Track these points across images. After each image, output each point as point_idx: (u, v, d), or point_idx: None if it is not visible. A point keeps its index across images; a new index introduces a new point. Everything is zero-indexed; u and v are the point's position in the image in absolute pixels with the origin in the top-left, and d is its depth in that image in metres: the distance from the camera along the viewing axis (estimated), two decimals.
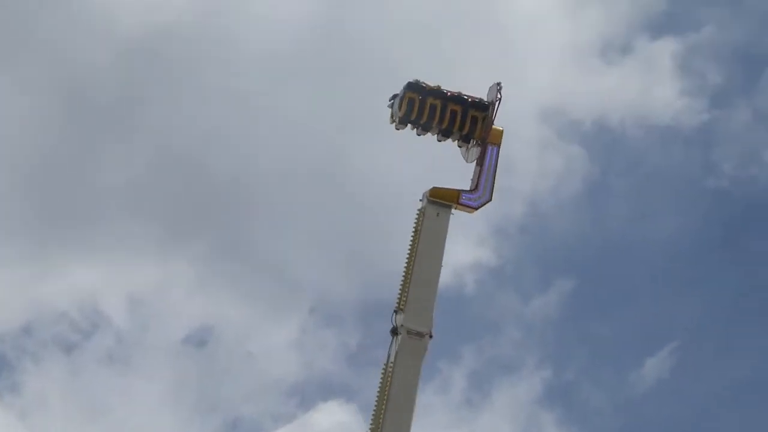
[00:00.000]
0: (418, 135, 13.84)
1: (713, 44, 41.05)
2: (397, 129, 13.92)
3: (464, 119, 13.41)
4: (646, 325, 40.54)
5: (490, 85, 13.69)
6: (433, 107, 13.32)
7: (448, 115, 13.32)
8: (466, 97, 13.59)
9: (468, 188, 13.51)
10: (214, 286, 40.91)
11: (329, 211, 40.48)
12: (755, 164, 39.81)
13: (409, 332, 13.15)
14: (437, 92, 13.44)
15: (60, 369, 40.48)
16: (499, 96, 13.44)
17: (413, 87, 13.40)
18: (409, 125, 13.74)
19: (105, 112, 38.17)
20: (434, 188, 13.52)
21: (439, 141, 13.94)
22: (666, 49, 40.44)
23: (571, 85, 39.87)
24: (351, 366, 41.45)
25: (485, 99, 13.71)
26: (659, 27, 41.55)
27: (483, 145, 13.62)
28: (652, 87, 40.56)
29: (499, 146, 13.67)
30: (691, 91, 39.98)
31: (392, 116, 13.87)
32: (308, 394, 40.49)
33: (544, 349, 40.42)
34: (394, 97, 13.68)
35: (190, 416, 39.90)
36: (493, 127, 13.59)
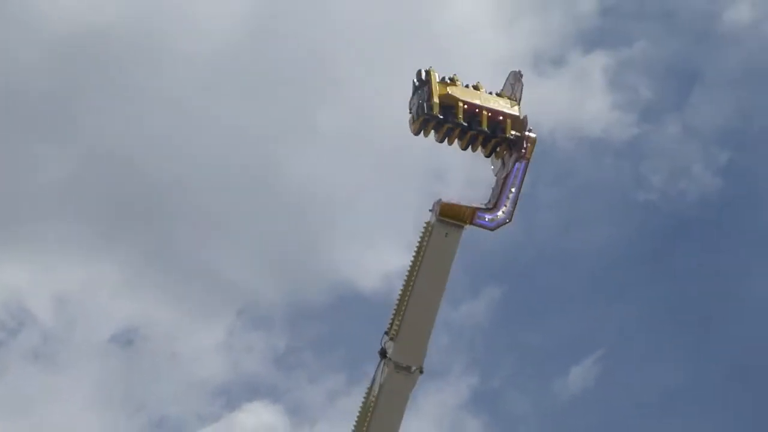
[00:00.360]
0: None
1: (645, 59, 41.92)
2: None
3: (486, 144, 11.85)
4: (574, 333, 41.23)
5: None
6: (450, 130, 11.72)
7: (467, 138, 11.75)
8: (486, 128, 11.94)
9: (485, 203, 11.72)
10: (141, 287, 40.86)
11: (259, 216, 40.71)
12: (684, 179, 40.67)
13: (397, 367, 11.96)
14: (454, 122, 11.71)
15: None
16: (528, 133, 11.81)
17: (427, 114, 11.58)
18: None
19: (36, 112, 37.70)
20: (445, 204, 11.60)
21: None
22: (598, 63, 41.15)
23: None
24: (279, 368, 41.76)
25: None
26: (592, 41, 42.28)
27: (509, 159, 11.81)
28: (584, 100, 41.25)
29: (528, 161, 11.72)
30: (622, 105, 40.78)
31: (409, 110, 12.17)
32: (234, 394, 40.52)
33: (471, 356, 40.95)
34: (421, 81, 11.73)
35: (116, 415, 39.89)
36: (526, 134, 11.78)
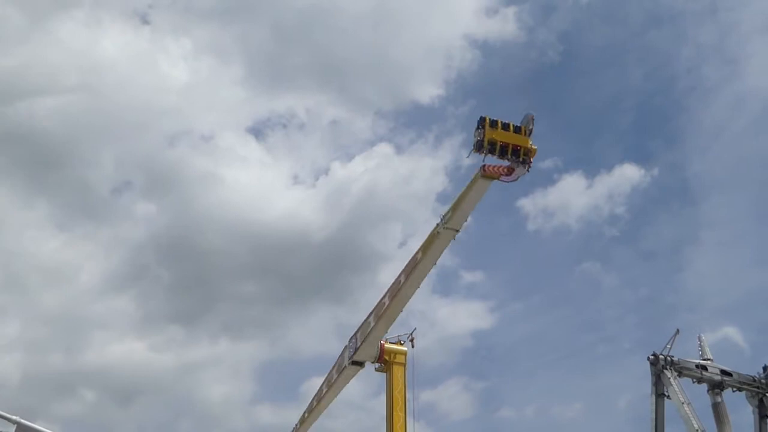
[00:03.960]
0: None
1: None
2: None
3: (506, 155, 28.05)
4: None
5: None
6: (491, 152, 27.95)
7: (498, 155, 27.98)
8: (510, 156, 27.81)
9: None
10: None
11: None
12: None
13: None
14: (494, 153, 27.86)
15: None
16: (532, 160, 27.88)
17: (478, 149, 28.04)
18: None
19: None
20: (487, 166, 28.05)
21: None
22: None
23: None
24: None
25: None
26: None
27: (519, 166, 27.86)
28: None
29: (529, 169, 28.22)
30: None
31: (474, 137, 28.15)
32: None
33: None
34: (479, 124, 28.07)
35: None
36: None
